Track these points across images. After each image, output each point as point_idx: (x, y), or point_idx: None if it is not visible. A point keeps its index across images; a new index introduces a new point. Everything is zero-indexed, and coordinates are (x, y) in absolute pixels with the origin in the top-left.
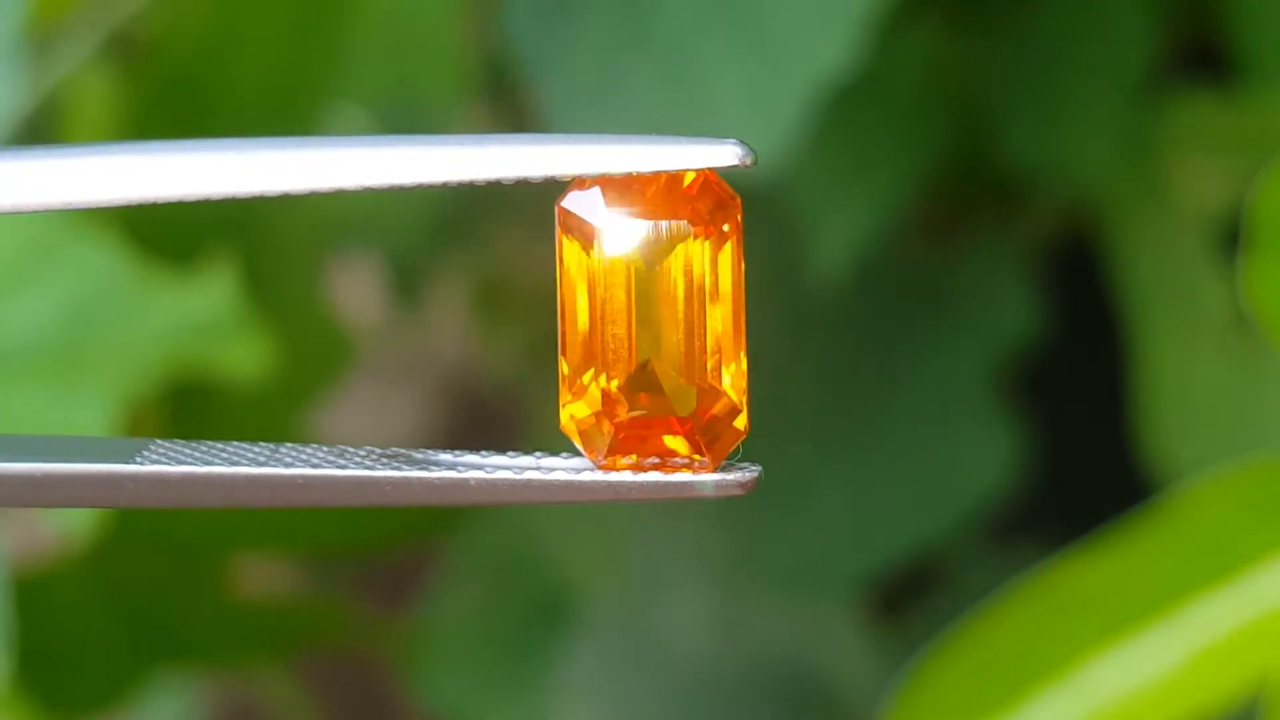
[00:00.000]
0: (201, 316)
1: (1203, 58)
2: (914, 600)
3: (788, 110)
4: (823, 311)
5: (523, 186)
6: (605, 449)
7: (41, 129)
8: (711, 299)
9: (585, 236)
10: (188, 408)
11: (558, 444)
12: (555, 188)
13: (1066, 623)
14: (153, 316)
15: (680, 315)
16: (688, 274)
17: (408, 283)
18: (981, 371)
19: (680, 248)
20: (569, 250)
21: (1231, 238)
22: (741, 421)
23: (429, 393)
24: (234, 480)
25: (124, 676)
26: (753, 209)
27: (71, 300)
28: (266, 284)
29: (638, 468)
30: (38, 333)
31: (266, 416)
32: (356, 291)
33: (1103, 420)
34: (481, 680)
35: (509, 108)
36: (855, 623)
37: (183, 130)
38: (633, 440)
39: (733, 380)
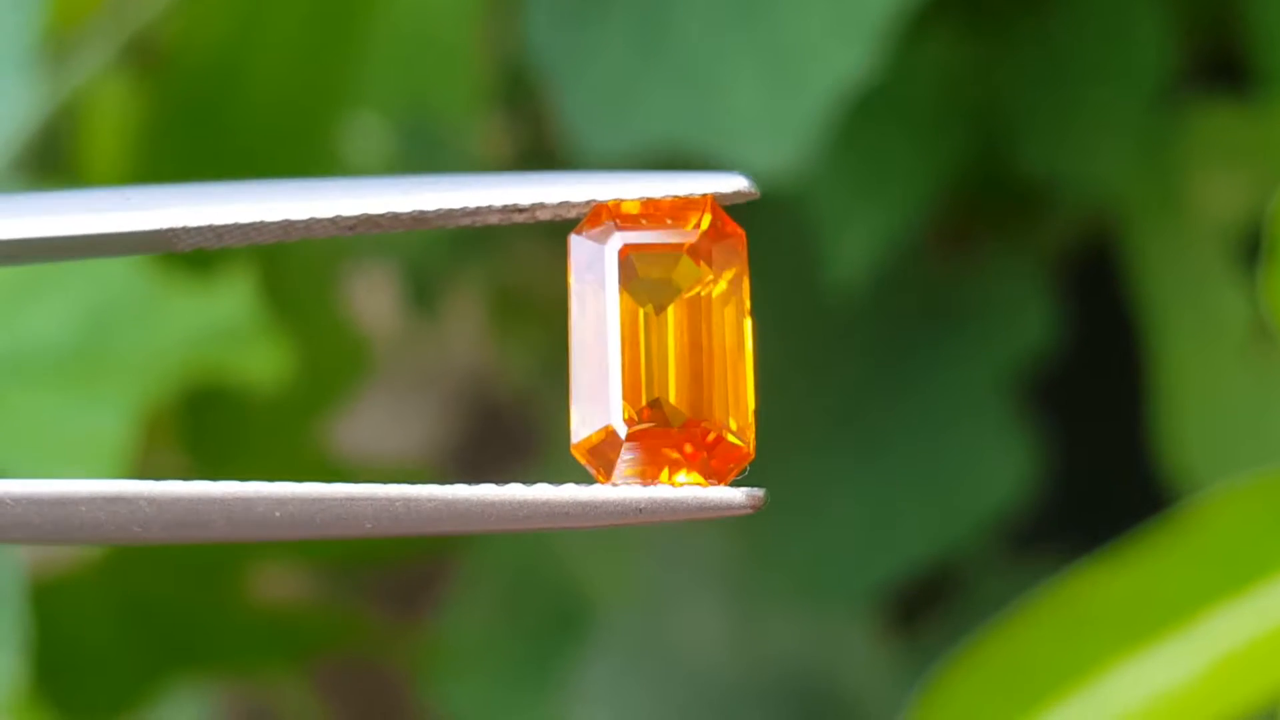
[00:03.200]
0: (220, 324)
1: (1221, 68)
2: (929, 610)
3: (805, 120)
4: (839, 320)
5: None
6: (613, 476)
7: (59, 135)
8: (719, 336)
9: (596, 276)
10: (205, 416)
11: (572, 461)
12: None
13: (1085, 633)
14: (171, 324)
15: (688, 353)
16: (695, 313)
17: (424, 292)
18: (998, 381)
19: (688, 287)
20: (578, 286)
21: (1250, 248)
22: (747, 451)
23: (445, 402)
24: (250, 499)
25: (140, 683)
26: (770, 218)
27: (90, 307)
28: (285, 292)
29: (647, 483)
30: (56, 339)
31: (284, 425)
32: (373, 301)
33: (1120, 430)
34: (496, 689)
35: (526, 116)
36: (870, 633)
37: (200, 136)
38: (641, 469)
39: (740, 417)
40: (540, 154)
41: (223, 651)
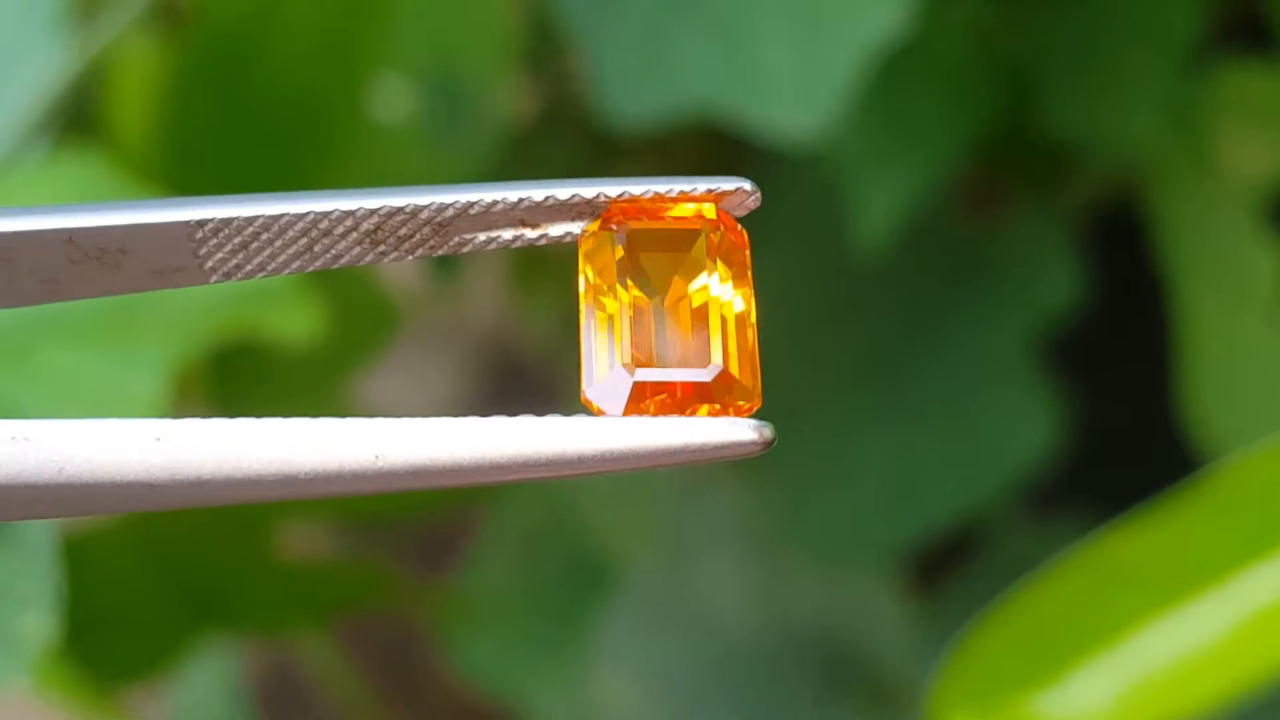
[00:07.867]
0: (254, 282)
1: (1249, 28)
2: (952, 569)
3: (835, 76)
4: (865, 279)
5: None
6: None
7: (87, 94)
8: (725, 327)
9: (605, 273)
10: (236, 372)
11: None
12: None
13: (1113, 593)
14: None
15: (692, 344)
16: (701, 310)
17: None
18: (1023, 340)
19: (695, 284)
20: (587, 283)
21: (1277, 208)
22: (754, 403)
23: (466, 359)
24: (280, 437)
25: (168, 640)
26: (797, 176)
27: None
28: None
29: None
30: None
31: (312, 383)
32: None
33: (1145, 390)
34: (519, 645)
35: (550, 76)
36: (893, 591)
37: (226, 95)
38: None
39: (748, 399)
40: (564, 114)
41: (250, 609)
